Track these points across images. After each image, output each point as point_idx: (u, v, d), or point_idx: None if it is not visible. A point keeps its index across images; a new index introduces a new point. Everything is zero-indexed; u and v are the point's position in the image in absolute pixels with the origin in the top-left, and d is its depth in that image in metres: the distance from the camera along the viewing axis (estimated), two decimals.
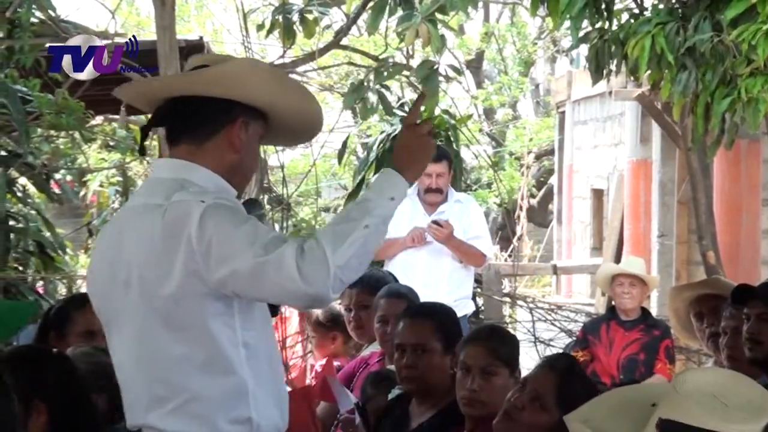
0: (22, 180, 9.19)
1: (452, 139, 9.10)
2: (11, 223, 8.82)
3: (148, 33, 16.97)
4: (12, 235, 8.78)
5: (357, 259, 2.90)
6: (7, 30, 8.21)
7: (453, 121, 9.22)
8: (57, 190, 9.84)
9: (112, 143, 12.30)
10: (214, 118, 3.11)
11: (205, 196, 2.97)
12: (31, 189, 9.63)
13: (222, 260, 2.88)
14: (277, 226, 10.24)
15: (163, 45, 8.54)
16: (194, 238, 2.90)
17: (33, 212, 9.31)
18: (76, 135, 9.29)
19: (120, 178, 12.88)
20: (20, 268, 9.00)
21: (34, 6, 8.17)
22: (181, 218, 2.93)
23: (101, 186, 13.33)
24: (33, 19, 8.27)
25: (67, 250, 10.24)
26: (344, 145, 10.48)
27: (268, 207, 10.43)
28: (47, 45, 8.61)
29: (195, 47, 10.04)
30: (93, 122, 9.49)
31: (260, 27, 8.98)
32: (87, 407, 3.48)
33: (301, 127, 3.28)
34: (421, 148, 3.14)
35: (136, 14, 18.49)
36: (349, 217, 2.96)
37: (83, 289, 11.36)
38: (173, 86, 3.20)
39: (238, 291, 2.93)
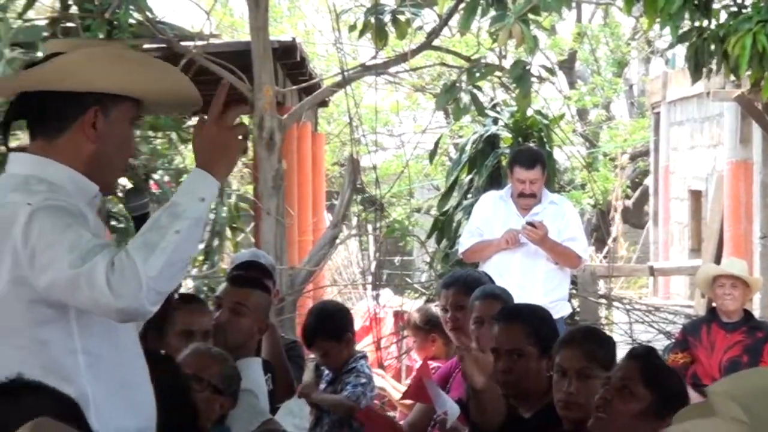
0: (122, 180, 9.32)
1: (545, 139, 9.03)
2: (113, 223, 8.95)
3: (241, 34, 17.12)
4: (114, 235, 8.91)
5: (170, 267, 2.75)
6: (107, 31, 8.34)
7: (546, 122, 9.16)
8: (155, 190, 9.97)
9: None
10: (64, 112, 2.97)
11: (36, 197, 2.84)
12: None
13: (44, 267, 2.77)
14: (370, 227, 10.27)
15: (257, 46, 8.62)
16: (19, 242, 2.80)
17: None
18: (173, 135, 9.40)
19: None
20: None
21: (132, 7, 8.30)
22: (7, 221, 2.82)
23: None
24: (131, 21, 8.39)
25: None
26: (436, 145, 10.45)
27: (360, 207, 10.47)
28: (144, 46, 8.75)
29: (288, 48, 10.13)
30: (189, 123, 9.60)
31: (352, 28, 9.00)
32: (190, 408, 3.51)
33: (169, 97, 3.11)
34: (227, 143, 2.91)
35: (229, 15, 18.66)
36: (158, 225, 2.78)
37: (182, 289, 11.52)
38: (25, 82, 3.07)
39: (61, 299, 2.81)
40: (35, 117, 3.00)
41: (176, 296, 3.21)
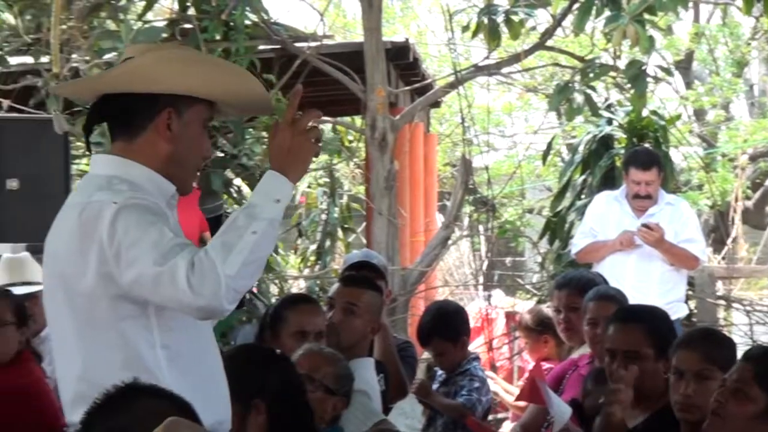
0: (237, 181, 9.43)
1: (661, 140, 8.90)
2: None
3: (354, 35, 17.19)
4: None
5: (248, 266, 2.84)
6: (223, 32, 8.45)
7: (662, 122, 9.02)
8: None
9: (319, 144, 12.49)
10: (140, 113, 3.07)
11: (121, 196, 2.93)
12: (245, 189, 9.87)
13: (129, 264, 2.85)
14: (481, 228, 10.23)
15: (370, 47, 8.65)
16: (105, 239, 2.88)
17: None
18: None
19: (327, 179, 13.08)
20: None
21: (247, 9, 8.39)
22: (94, 219, 2.91)
23: (309, 187, 13.54)
24: (246, 22, 8.49)
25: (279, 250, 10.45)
26: (549, 146, 10.37)
27: (472, 208, 10.43)
28: (260, 47, 8.84)
29: (400, 49, 10.14)
30: None
31: (465, 28, 8.99)
32: (304, 408, 3.53)
33: (240, 100, 3.17)
34: (300, 147, 2.97)
35: (342, 16, 18.75)
36: (235, 225, 2.87)
37: (294, 290, 11.62)
38: (98, 85, 3.18)
39: (144, 295, 2.89)
40: (114, 119, 3.10)
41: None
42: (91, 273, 2.91)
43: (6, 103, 6.18)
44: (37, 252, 5.02)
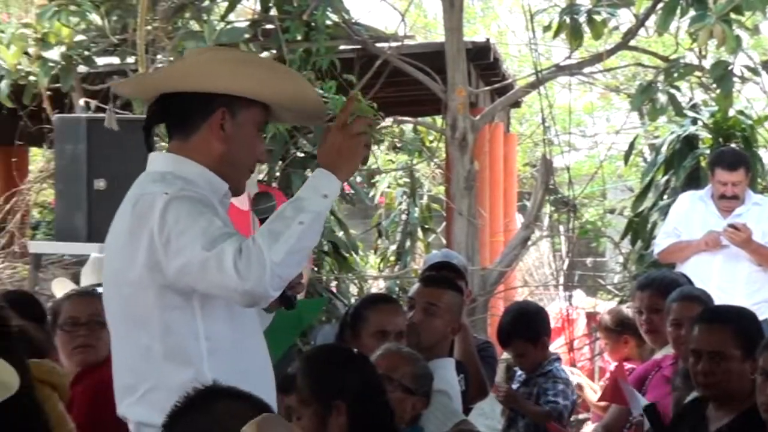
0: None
1: (749, 140, 8.77)
2: None
3: (435, 35, 17.19)
4: None
5: (293, 255, 2.90)
6: (305, 33, 8.50)
7: (749, 122, 8.89)
8: (349, 191, 10.09)
9: (399, 145, 12.52)
10: (195, 113, 3.13)
11: (172, 188, 2.99)
12: None
13: (177, 252, 2.91)
14: (562, 228, 10.17)
15: (451, 47, 8.64)
16: (156, 229, 2.94)
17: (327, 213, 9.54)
18: None
19: (407, 180, 13.08)
20: (315, 268, 9.28)
21: (329, 9, 8.43)
22: (146, 210, 2.98)
23: (389, 187, 13.56)
24: (327, 22, 8.53)
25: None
26: (631, 146, 10.27)
27: (552, 208, 10.38)
28: (341, 47, 8.88)
29: (481, 49, 10.11)
30: (382, 124, 9.68)
31: (547, 28, 8.94)
32: (385, 408, 3.53)
33: (293, 103, 3.22)
34: (350, 150, 3.06)
35: (423, 16, 18.76)
36: (283, 215, 2.94)
37: (374, 290, 11.64)
38: (155, 83, 3.24)
39: (190, 283, 2.94)
40: (171, 118, 3.18)
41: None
42: (140, 263, 2.99)
43: (93, 103, 6.27)
44: None
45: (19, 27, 8.36)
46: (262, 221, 3.17)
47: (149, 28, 8.15)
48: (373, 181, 13.71)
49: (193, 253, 2.89)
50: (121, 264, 3.06)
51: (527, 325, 5.43)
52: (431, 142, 12.70)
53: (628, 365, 5.56)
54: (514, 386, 5.49)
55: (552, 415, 5.24)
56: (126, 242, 3.04)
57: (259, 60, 3.75)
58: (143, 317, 3.03)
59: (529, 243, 9.99)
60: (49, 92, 8.42)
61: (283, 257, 2.87)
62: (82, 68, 8.37)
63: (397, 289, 11.51)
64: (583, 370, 8.17)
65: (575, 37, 8.51)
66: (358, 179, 12.57)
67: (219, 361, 3.02)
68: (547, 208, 10.82)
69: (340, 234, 9.49)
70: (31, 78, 8.18)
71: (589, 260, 16.01)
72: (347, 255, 9.45)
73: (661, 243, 7.20)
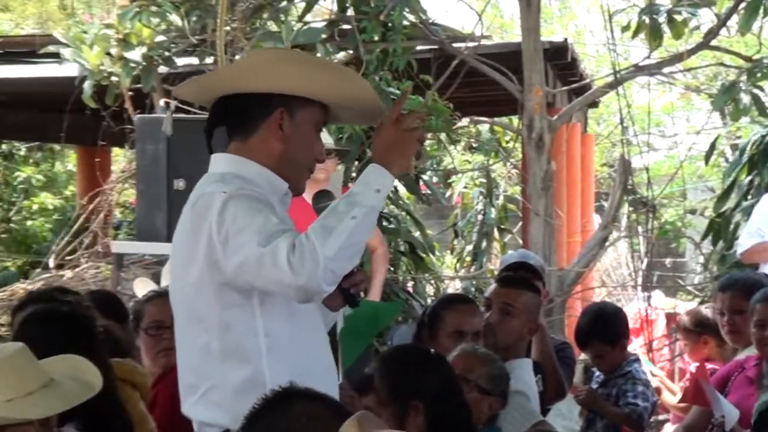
0: (396, 182, 9.47)
1: None
2: (384, 224, 9.12)
3: (511, 35, 17.12)
4: (385, 236, 9.07)
5: (346, 249, 2.91)
6: (381, 33, 8.51)
7: None
8: (425, 191, 10.08)
9: (475, 145, 12.50)
10: (253, 113, 3.16)
11: (230, 187, 3.01)
12: (401, 190, 9.92)
13: (235, 250, 2.94)
14: (640, 228, 10.07)
15: (528, 47, 8.60)
16: (214, 228, 2.97)
17: (403, 213, 9.57)
18: (442, 136, 9.50)
19: (484, 180, 13.05)
20: (391, 269, 9.29)
21: (406, 9, 8.43)
22: (205, 209, 3.01)
23: (465, 187, 13.54)
24: (404, 22, 8.54)
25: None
26: (712, 146, 10.15)
27: (631, 209, 10.28)
28: (418, 47, 8.88)
29: (559, 49, 10.05)
30: (459, 124, 9.66)
31: (625, 28, 8.85)
32: (462, 407, 3.52)
33: (350, 102, 3.21)
34: (403, 144, 3.07)
35: (500, 17, 18.70)
36: (336, 211, 2.95)
37: (450, 290, 11.63)
38: (213, 84, 3.24)
39: (248, 280, 2.96)
40: (231, 120, 3.21)
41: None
42: (200, 262, 3.02)
43: (173, 104, 6.33)
44: None
45: (102, 28, 8.47)
46: None
47: (228, 28, 8.22)
48: (449, 181, 13.70)
49: (250, 250, 2.91)
50: (183, 263, 3.10)
51: (605, 327, 5.40)
52: (507, 142, 12.66)
53: (709, 366, 5.50)
54: (593, 386, 5.45)
55: (631, 416, 5.20)
56: (186, 242, 3.08)
57: (317, 60, 3.77)
58: (203, 316, 3.06)
59: (607, 243, 9.91)
60: (130, 93, 8.52)
61: (336, 252, 2.88)
62: (162, 69, 8.45)
63: (473, 289, 11.49)
64: (663, 370, 8.09)
65: (655, 37, 8.42)
66: (434, 179, 12.56)
67: (277, 358, 3.03)
68: (626, 209, 10.73)
69: (417, 234, 9.50)
70: (114, 79, 8.28)
71: (668, 261, 15.87)
72: (424, 255, 9.45)
73: (744, 243, 7.09)
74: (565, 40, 10.51)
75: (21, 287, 9.73)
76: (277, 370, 2.99)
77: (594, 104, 12.39)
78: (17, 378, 3.11)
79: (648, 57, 9.47)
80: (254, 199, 3.01)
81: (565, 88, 10.58)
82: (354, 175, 8.52)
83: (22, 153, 14.27)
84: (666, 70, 9.75)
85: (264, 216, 2.96)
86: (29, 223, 14.01)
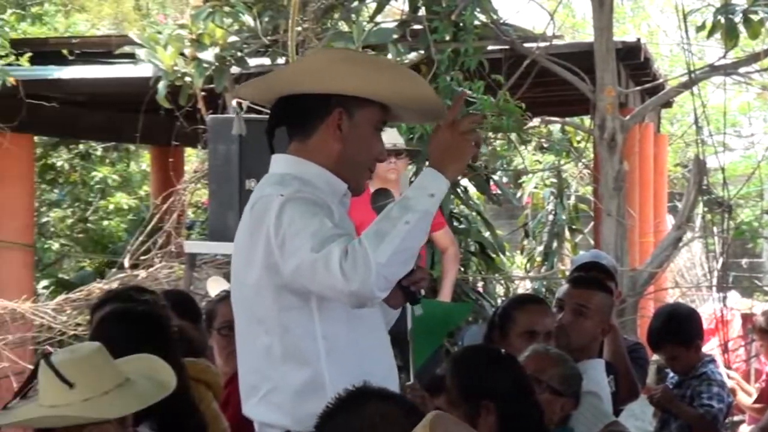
0: (463, 181, 9.46)
1: None
2: (454, 224, 9.11)
3: (583, 35, 17.03)
4: (455, 236, 9.06)
5: (399, 255, 2.88)
6: (453, 33, 8.51)
7: None
8: (495, 192, 10.06)
9: (546, 145, 12.44)
10: (312, 114, 3.15)
11: (288, 190, 3.00)
12: (471, 190, 9.90)
13: (291, 253, 2.93)
14: (715, 229, 9.96)
15: (600, 47, 8.54)
16: (272, 231, 2.97)
17: (473, 213, 9.55)
18: (513, 136, 9.46)
19: (555, 180, 12.99)
20: (461, 269, 9.27)
21: (477, 9, 8.42)
22: (263, 212, 3.01)
23: (536, 188, 13.49)
24: (475, 22, 8.52)
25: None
26: None
27: (705, 209, 10.18)
28: (489, 47, 8.86)
29: (632, 49, 9.97)
30: (530, 124, 9.62)
31: (700, 28, 8.76)
32: (534, 407, 3.51)
33: (409, 102, 3.18)
34: (459, 147, 3.03)
35: (571, 16, 18.62)
36: (389, 216, 2.92)
37: (520, 290, 11.59)
38: (273, 85, 3.23)
39: (303, 284, 2.95)
40: (290, 120, 3.21)
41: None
42: (258, 264, 3.03)
43: (245, 104, 6.38)
44: None
45: (176, 28, 8.54)
46: None
47: (299, 29, 8.25)
48: (519, 181, 13.66)
49: (305, 254, 2.91)
50: (242, 265, 3.11)
51: (678, 328, 5.35)
52: (578, 142, 12.59)
53: None
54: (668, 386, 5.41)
55: (706, 417, 5.15)
56: (246, 244, 3.09)
57: (375, 60, 3.76)
58: (263, 317, 3.07)
59: (681, 244, 9.81)
60: (203, 93, 8.59)
61: (389, 257, 2.86)
62: (234, 69, 8.51)
63: (543, 289, 11.45)
64: (739, 371, 8.01)
65: (730, 37, 8.32)
66: (505, 180, 12.53)
67: (337, 361, 3.03)
68: (700, 209, 10.62)
69: (487, 234, 9.48)
70: (187, 79, 8.35)
71: (744, 261, 15.69)
72: (494, 256, 9.43)
73: None
74: (638, 39, 10.42)
75: (97, 287, 9.84)
76: (336, 372, 3.00)
77: (668, 104, 12.28)
78: (95, 377, 3.15)
79: (723, 57, 9.36)
80: (311, 203, 3.01)
81: (638, 88, 10.49)
82: None
83: (98, 153, 14.44)
84: (742, 69, 9.62)
85: (319, 220, 2.96)
86: (105, 223, 14.18)
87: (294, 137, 3.22)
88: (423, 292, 3.35)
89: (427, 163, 3.20)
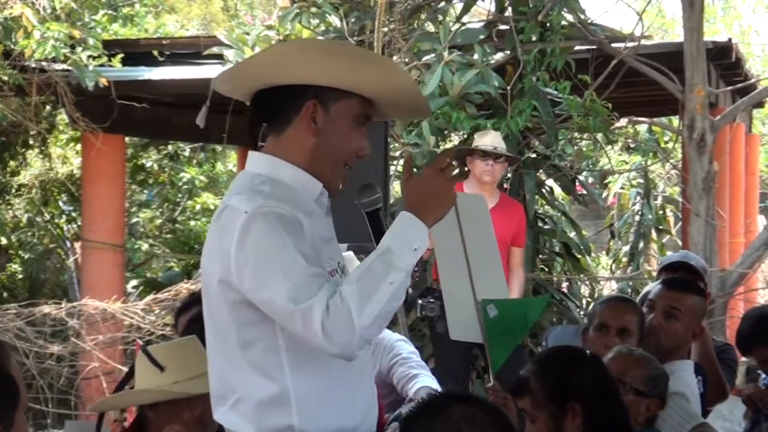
0: (549, 182, 9.43)
1: None
2: (539, 224, 9.08)
3: (672, 35, 16.86)
4: (540, 237, 9.04)
5: (381, 317, 2.79)
6: (539, 33, 8.49)
7: None
8: (581, 192, 10.00)
9: (632, 145, 12.34)
10: (286, 106, 2.99)
11: (253, 203, 2.85)
12: (556, 190, 9.86)
13: (261, 285, 2.80)
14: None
15: (690, 47, 8.46)
16: (233, 252, 2.83)
17: (558, 214, 9.51)
18: (599, 137, 9.41)
19: (641, 180, 12.88)
20: (546, 269, 9.24)
21: (565, 9, 8.39)
22: (225, 227, 2.87)
23: (622, 188, 13.39)
24: (562, 22, 8.49)
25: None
26: None
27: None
28: (576, 47, 8.82)
29: (722, 49, 9.85)
30: (617, 124, 9.56)
31: None
32: (620, 408, 3.50)
33: (389, 95, 3.02)
34: (441, 194, 2.90)
35: (661, 16, 18.43)
36: (372, 271, 2.78)
37: (606, 291, 11.50)
38: (244, 80, 3.08)
39: (272, 316, 2.84)
40: (266, 115, 3.06)
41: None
42: (215, 277, 2.91)
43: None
44: (359, 252, 5.05)
45: (263, 29, 8.62)
46: (367, 215, 3.09)
47: (386, 29, 8.29)
48: (605, 182, 13.56)
49: (279, 298, 2.78)
50: (208, 273, 2.99)
51: None
52: (666, 142, 12.47)
53: None
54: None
55: None
56: (210, 252, 2.97)
57: (351, 49, 3.54)
58: (226, 328, 2.95)
59: None
60: None
61: (372, 320, 2.76)
62: None
63: (629, 290, 11.35)
64: None
65: None
66: (591, 180, 12.45)
67: (301, 373, 2.91)
68: None
69: (573, 235, 9.43)
70: None
71: None
72: (579, 256, 9.38)
73: None
74: (729, 39, 10.29)
75: (185, 287, 9.97)
76: (301, 383, 2.90)
77: (760, 104, 12.11)
78: (185, 363, 3.20)
79: None
80: (277, 223, 2.84)
81: (729, 88, 10.37)
82: (509, 176, 8.49)
83: (186, 154, 14.60)
84: None
85: (289, 254, 2.80)
86: (192, 223, 14.32)
87: (270, 132, 3.06)
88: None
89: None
